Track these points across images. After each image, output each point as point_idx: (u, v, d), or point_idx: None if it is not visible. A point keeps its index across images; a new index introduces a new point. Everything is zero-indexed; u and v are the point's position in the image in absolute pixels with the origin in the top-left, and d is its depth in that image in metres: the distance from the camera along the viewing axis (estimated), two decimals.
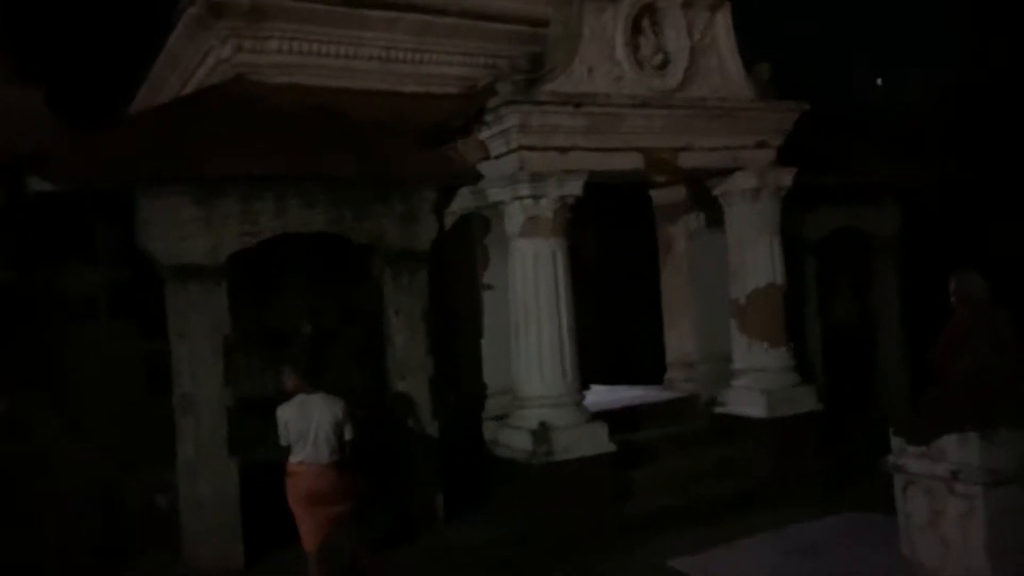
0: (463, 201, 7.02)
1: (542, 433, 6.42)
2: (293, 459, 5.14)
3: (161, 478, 5.85)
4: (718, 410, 7.77)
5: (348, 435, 5.20)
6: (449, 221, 6.92)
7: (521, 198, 6.56)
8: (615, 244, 9.56)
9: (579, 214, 6.88)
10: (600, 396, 8.30)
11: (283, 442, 5.17)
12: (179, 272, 5.81)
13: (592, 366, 7.84)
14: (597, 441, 6.57)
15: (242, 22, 7.37)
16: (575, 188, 6.62)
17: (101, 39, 12.32)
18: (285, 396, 5.26)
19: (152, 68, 9.31)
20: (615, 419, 7.03)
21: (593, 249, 9.19)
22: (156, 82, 9.49)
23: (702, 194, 7.96)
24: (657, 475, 7.09)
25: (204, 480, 5.81)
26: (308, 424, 5.11)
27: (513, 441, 6.67)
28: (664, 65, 7.03)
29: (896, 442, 4.93)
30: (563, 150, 6.66)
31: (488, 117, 6.62)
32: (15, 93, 6.76)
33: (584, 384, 7.06)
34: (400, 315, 6.55)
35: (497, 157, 6.80)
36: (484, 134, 6.77)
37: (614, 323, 9.48)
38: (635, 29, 6.94)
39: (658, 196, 8.66)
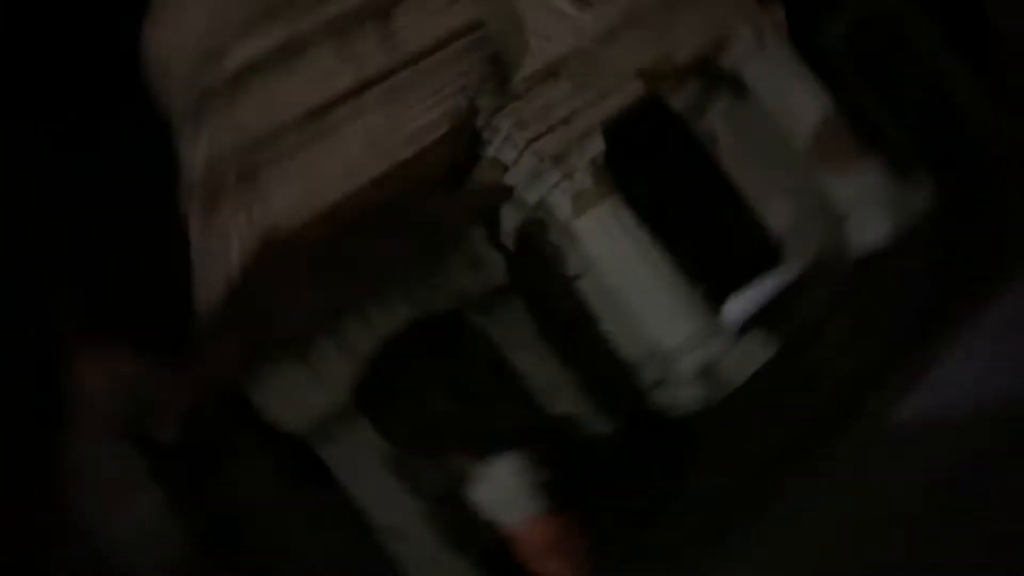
0: (511, 220, 7.05)
1: (706, 374, 6.36)
2: None
3: None
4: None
5: None
6: (511, 242, 6.96)
7: (557, 184, 6.55)
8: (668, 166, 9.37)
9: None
10: (741, 305, 8.12)
11: None
12: None
13: (713, 284, 7.69)
14: (755, 351, 6.43)
15: None
16: (597, 146, 6.55)
17: None
18: None
19: None
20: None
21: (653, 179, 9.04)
22: None
23: (716, 75, 7.72)
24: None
25: None
26: None
27: (682, 396, 6.61)
28: None
29: None
30: (566, 120, 6.60)
31: (485, 135, 6.65)
32: None
33: (718, 303, 6.96)
34: (518, 350, 6.60)
35: (516, 163, 6.80)
36: (491, 150, 6.80)
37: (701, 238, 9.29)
38: None
39: (676, 100, 8.44)
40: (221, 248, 7.65)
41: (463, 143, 7.02)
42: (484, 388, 6.37)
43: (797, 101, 7.23)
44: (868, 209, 7.04)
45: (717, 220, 9.16)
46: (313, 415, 5.71)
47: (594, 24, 6.77)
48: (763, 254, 8.53)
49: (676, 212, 9.33)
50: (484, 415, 6.23)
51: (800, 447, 5.73)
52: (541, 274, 7.27)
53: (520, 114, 6.46)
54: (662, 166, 9.20)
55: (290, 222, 6.91)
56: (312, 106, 7.76)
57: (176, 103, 8.35)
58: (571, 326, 7.19)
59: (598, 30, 6.72)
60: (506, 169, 6.92)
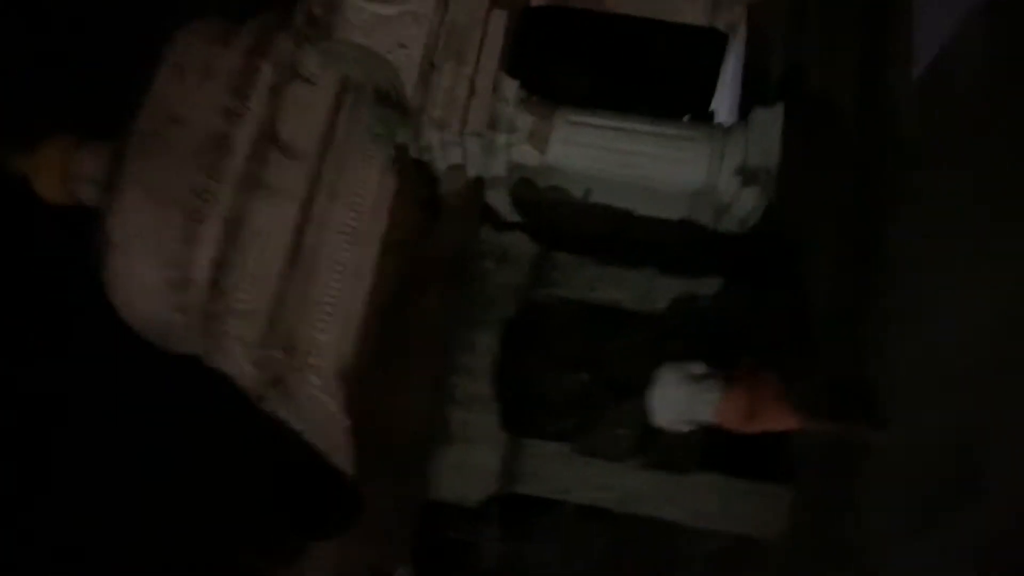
0: (501, 200, 7.17)
1: (744, 172, 6.36)
2: None
3: None
4: None
5: None
6: (517, 216, 7.08)
7: (509, 144, 6.66)
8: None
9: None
10: (726, 99, 8.07)
11: None
12: None
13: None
14: (768, 125, 6.40)
15: None
16: (510, 86, 6.67)
17: None
18: None
19: None
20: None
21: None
22: None
23: None
24: None
25: None
26: None
27: (742, 207, 6.62)
28: None
29: None
30: (471, 89, 6.65)
31: (425, 157, 6.79)
32: None
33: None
34: (594, 287, 6.65)
35: (465, 156, 6.88)
36: (441, 164, 6.90)
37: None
38: None
39: None
40: (318, 413, 7.90)
41: (416, 180, 7.14)
42: (594, 339, 6.47)
43: None
44: None
45: (652, 56, 9.13)
46: (493, 471, 5.89)
47: (419, 3, 6.81)
48: (709, 50, 8.48)
49: (612, 75, 9.36)
50: (613, 359, 6.33)
51: None
52: (560, 218, 7.35)
53: (434, 119, 6.54)
54: (566, 48, 9.22)
55: (347, 349, 7.09)
56: (288, 254, 7.95)
57: (181, 338, 8.56)
58: (614, 235, 7.26)
59: (420, 2, 6.76)
60: (463, 166, 7.03)
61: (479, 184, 7.05)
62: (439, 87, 6.62)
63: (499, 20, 6.88)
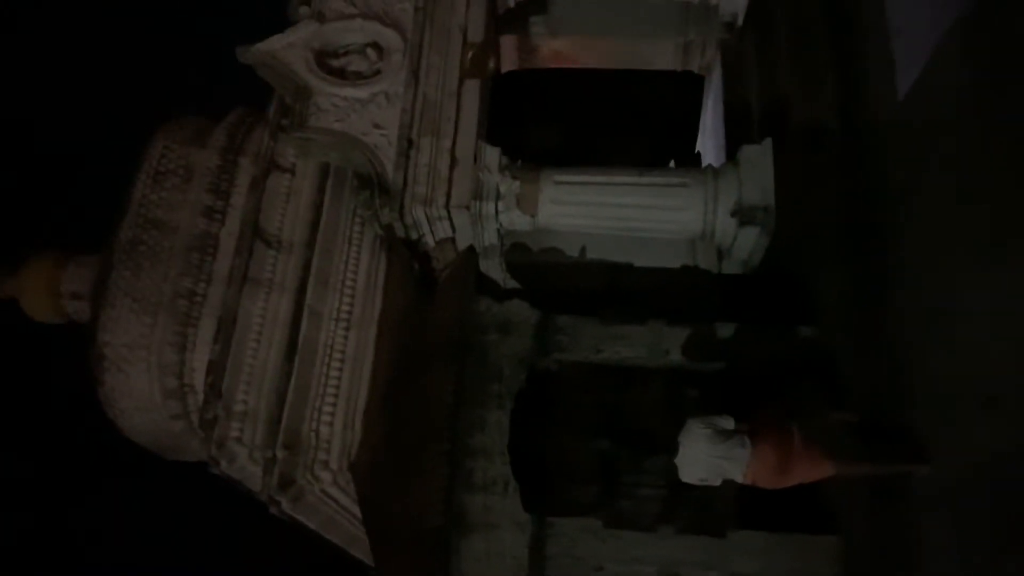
0: (495, 267, 7.00)
1: (741, 211, 6.18)
2: None
3: None
4: None
5: None
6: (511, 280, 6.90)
7: (497, 211, 6.51)
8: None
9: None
10: (710, 142, 7.94)
11: None
12: None
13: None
14: (760, 161, 6.28)
15: None
16: (492, 154, 6.56)
17: None
18: None
19: None
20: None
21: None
22: None
23: None
24: None
25: None
26: None
27: (745, 247, 6.44)
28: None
29: None
30: (452, 161, 6.53)
31: (413, 236, 6.64)
32: None
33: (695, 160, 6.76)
34: (601, 346, 6.44)
35: (454, 228, 6.73)
36: (429, 240, 6.75)
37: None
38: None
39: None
40: (331, 507, 7.59)
41: (407, 257, 6.98)
42: (608, 402, 6.22)
43: None
44: None
45: (632, 105, 9.09)
46: (521, 557, 5.58)
47: (387, 79, 6.74)
48: (687, 94, 8.43)
49: (593, 129, 9.31)
50: (630, 419, 6.07)
51: None
52: (558, 279, 7.18)
53: (418, 196, 6.40)
54: (544, 108, 9.18)
55: (354, 438, 6.84)
56: (284, 348, 7.73)
57: (183, 447, 8.27)
58: (615, 289, 7.08)
59: (392, 82, 6.69)
60: (453, 239, 6.88)
61: (472, 254, 6.88)
62: (419, 163, 6.50)
63: (472, 90, 6.81)
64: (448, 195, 6.45)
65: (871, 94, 5.86)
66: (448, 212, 6.48)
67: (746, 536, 5.58)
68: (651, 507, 5.66)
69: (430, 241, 6.78)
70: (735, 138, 7.64)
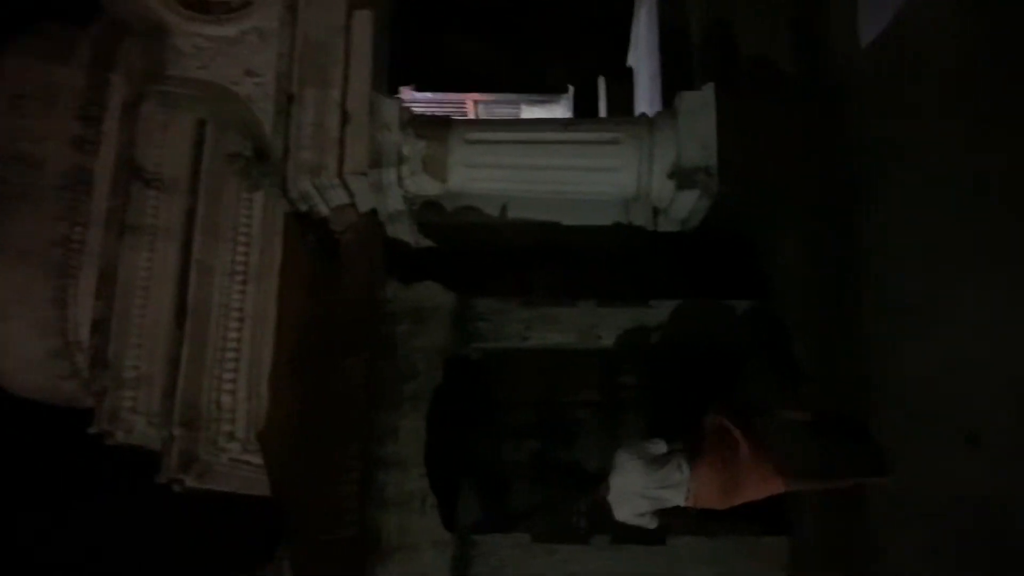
0: (405, 230, 6.12)
1: (679, 173, 5.38)
2: None
3: None
4: None
5: None
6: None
7: (400, 178, 5.56)
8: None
9: None
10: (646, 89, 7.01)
11: None
12: None
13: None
14: (698, 106, 5.38)
15: None
16: (390, 109, 5.54)
17: None
18: None
19: None
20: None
21: None
22: None
23: None
24: None
25: None
26: None
27: (683, 206, 5.66)
28: None
29: None
30: (344, 119, 5.46)
31: (303, 207, 5.66)
32: None
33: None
34: (536, 328, 5.72)
35: (352, 194, 5.76)
36: (323, 207, 5.78)
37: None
38: None
39: None
40: (250, 472, 6.95)
41: (297, 229, 6.01)
42: (538, 396, 5.55)
43: None
44: None
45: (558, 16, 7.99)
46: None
47: (259, 13, 5.56)
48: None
49: (515, 39, 8.24)
50: (564, 416, 5.45)
51: None
52: (476, 239, 6.34)
53: (302, 165, 5.39)
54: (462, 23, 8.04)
55: (261, 405, 6.11)
56: (174, 307, 6.86)
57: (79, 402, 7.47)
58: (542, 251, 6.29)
59: (264, 16, 5.52)
60: (352, 204, 5.92)
61: (374, 221, 5.95)
62: (303, 122, 5.45)
63: (364, 25, 5.66)
64: (340, 161, 5.44)
65: (835, 32, 5.03)
66: (341, 180, 5.50)
67: (690, 543, 5.12)
68: (586, 516, 5.10)
69: (324, 210, 5.81)
70: (673, 65, 6.73)
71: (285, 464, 6.13)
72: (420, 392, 5.30)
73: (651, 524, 4.43)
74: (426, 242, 6.48)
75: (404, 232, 6.26)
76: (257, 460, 6.64)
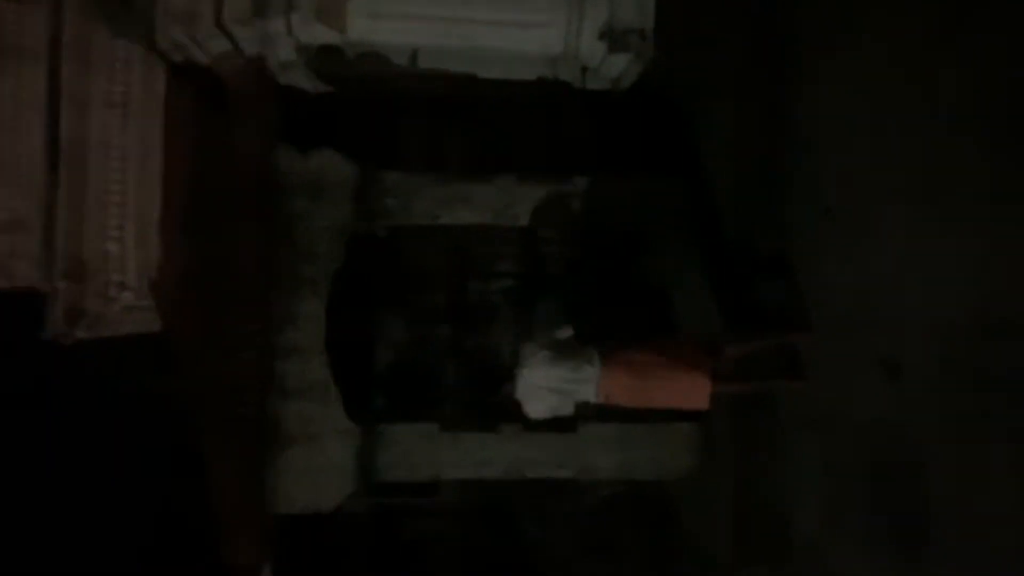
0: (301, 78, 5.38)
1: (612, 35, 4.75)
2: None
3: None
4: None
5: None
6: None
7: (290, 27, 4.76)
8: None
9: None
10: None
11: None
12: None
13: None
14: None
15: None
16: None
17: None
18: None
19: None
20: None
21: None
22: None
23: None
24: None
25: None
26: None
27: (615, 67, 5.07)
28: None
29: None
30: None
31: (179, 56, 4.86)
32: None
33: None
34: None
35: (237, 43, 4.94)
36: (203, 56, 4.97)
37: None
38: None
39: None
40: (145, 316, 6.58)
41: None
42: (448, 277, 5.18)
43: None
44: None
45: None
46: (347, 469, 4.89)
47: None
48: None
49: None
50: (475, 299, 5.12)
51: None
52: (381, 88, 5.64)
53: (173, 11, 4.56)
54: None
55: (151, 254, 5.65)
56: (44, 144, 6.11)
57: None
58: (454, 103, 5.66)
59: None
60: (237, 50, 5.10)
61: (262, 64, 5.18)
62: None
63: None
64: (218, 6, 4.60)
65: None
66: (223, 30, 4.68)
67: (598, 429, 5.06)
68: (495, 405, 4.94)
69: (202, 58, 5.01)
70: None
71: (179, 327, 5.77)
72: (320, 275, 4.87)
73: (566, 411, 4.26)
74: (324, 87, 5.75)
75: (299, 79, 5.51)
76: (150, 306, 6.28)
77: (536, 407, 4.25)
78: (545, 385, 4.20)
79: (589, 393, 4.24)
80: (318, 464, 4.84)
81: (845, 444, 4.03)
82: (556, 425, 4.97)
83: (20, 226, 5.68)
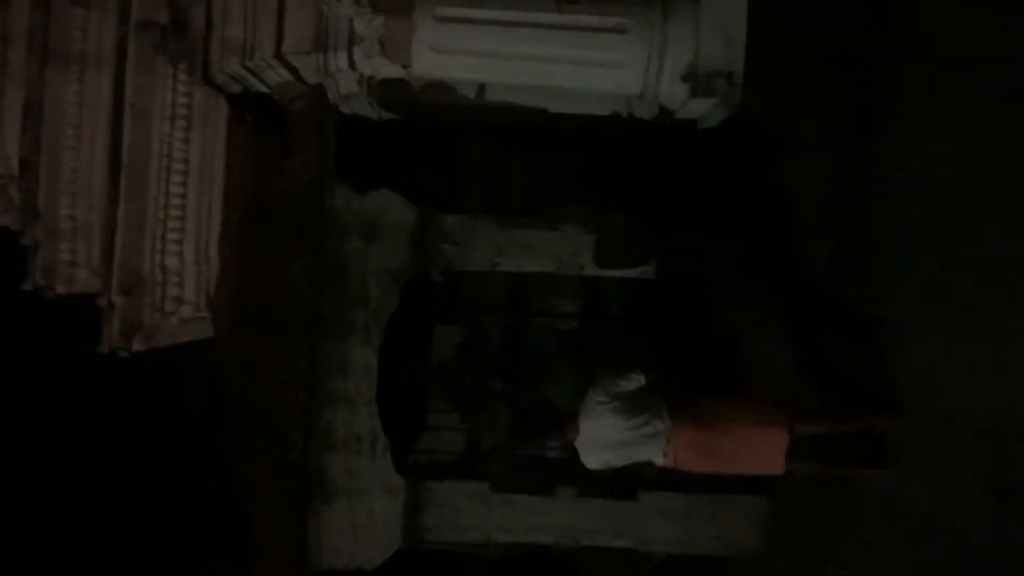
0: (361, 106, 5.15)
1: (693, 77, 4.36)
2: None
3: None
4: None
5: None
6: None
7: (352, 59, 4.51)
8: None
9: None
10: None
11: None
12: None
13: None
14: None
15: None
16: None
17: None
18: None
19: None
20: None
21: None
22: None
23: None
24: None
25: None
26: None
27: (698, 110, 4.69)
28: None
29: None
30: None
31: (231, 87, 4.65)
32: None
33: None
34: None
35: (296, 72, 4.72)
36: (269, 82, 4.76)
37: None
38: None
39: None
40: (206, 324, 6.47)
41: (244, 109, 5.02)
42: (506, 331, 4.87)
43: None
44: None
45: None
46: (394, 527, 4.65)
47: None
48: None
49: None
50: (537, 354, 4.82)
51: None
52: (449, 117, 5.36)
53: (230, 44, 4.35)
54: None
55: (210, 270, 5.52)
56: (109, 150, 6.00)
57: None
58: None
59: None
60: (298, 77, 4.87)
61: (322, 93, 4.95)
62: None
63: None
64: (278, 38, 4.37)
65: None
66: (280, 62, 4.46)
67: (660, 498, 4.71)
68: (550, 465, 4.64)
69: (262, 88, 4.80)
70: None
71: (229, 350, 5.63)
72: (372, 322, 4.62)
73: (627, 464, 3.91)
74: (388, 115, 5.51)
75: (362, 107, 5.27)
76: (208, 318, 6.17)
77: (596, 462, 3.92)
78: (608, 438, 3.87)
79: (656, 451, 3.88)
80: (362, 520, 4.62)
81: (940, 550, 3.61)
82: (615, 491, 4.66)
83: (82, 235, 5.67)
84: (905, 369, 3.95)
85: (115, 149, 5.44)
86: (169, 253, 5.84)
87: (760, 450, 3.86)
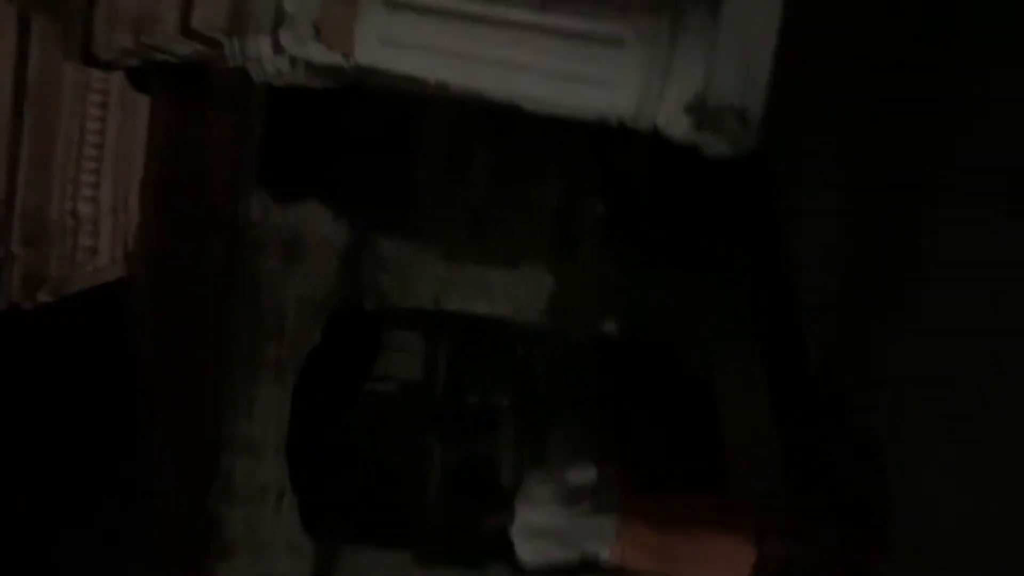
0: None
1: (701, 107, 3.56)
2: None
3: None
4: None
5: None
6: None
7: (279, 47, 3.62)
8: None
9: None
10: None
11: None
12: None
13: None
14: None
15: None
16: None
17: None
18: None
19: None
20: None
21: None
22: None
23: None
24: None
25: None
26: None
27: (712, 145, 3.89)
28: None
29: None
30: None
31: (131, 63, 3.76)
32: None
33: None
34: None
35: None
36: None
37: None
38: None
39: None
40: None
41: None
42: (443, 383, 4.18)
43: None
44: None
45: None
46: None
47: None
48: None
49: None
50: (476, 411, 4.14)
51: None
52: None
53: (121, 15, 3.46)
54: None
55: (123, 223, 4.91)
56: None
57: None
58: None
59: None
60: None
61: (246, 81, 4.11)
62: None
63: None
64: (184, 12, 3.46)
65: None
66: (187, 40, 3.57)
67: None
68: (482, 535, 4.05)
69: (172, 60, 3.91)
70: None
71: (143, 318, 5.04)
72: (287, 357, 3.91)
73: (567, 561, 3.46)
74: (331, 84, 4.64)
75: (297, 80, 4.39)
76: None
77: (531, 553, 3.44)
78: (547, 529, 3.39)
79: (601, 548, 3.42)
80: None
81: None
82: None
83: None
84: (905, 499, 3.38)
85: (20, 72, 4.85)
86: (83, 199, 5.27)
87: (719, 561, 3.40)
